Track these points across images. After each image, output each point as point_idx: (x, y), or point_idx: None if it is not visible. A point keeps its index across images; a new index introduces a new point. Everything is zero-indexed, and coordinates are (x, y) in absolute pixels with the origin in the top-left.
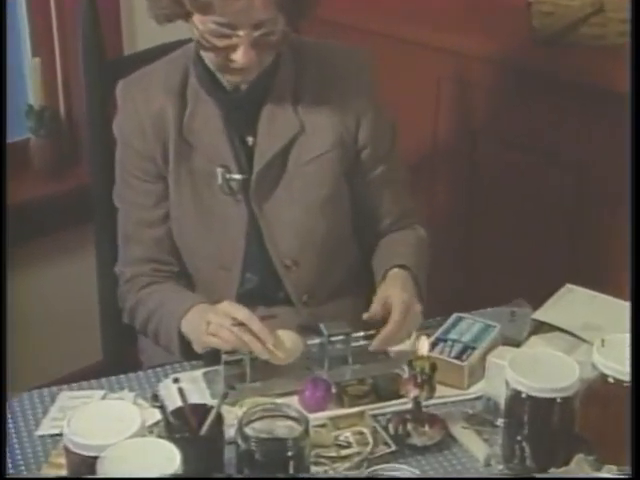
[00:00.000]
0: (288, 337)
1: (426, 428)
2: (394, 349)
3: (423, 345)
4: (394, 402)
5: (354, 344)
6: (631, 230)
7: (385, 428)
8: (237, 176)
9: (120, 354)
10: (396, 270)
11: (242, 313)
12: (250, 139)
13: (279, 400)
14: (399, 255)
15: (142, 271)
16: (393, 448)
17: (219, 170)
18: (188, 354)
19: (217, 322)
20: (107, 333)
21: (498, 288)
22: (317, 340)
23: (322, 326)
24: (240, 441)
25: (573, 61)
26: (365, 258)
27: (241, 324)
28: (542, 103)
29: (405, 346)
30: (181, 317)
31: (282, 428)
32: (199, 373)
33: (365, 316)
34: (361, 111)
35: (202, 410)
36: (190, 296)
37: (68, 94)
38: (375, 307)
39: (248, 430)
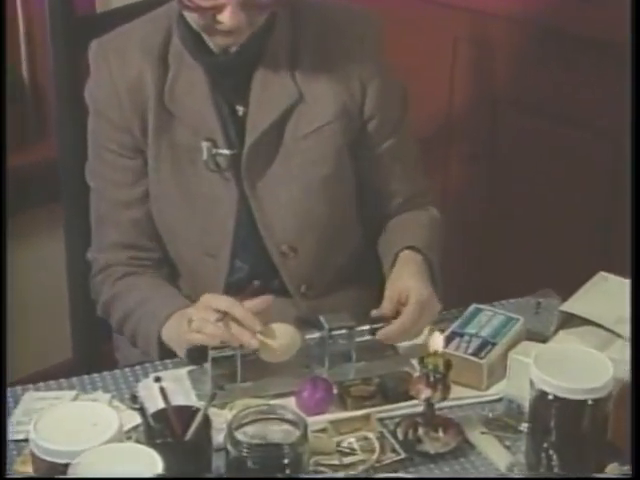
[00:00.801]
0: (284, 331)
1: (440, 433)
2: (403, 344)
3: (437, 340)
4: (403, 404)
5: (358, 339)
6: (631, 230)
7: (393, 433)
8: (225, 151)
9: (93, 350)
10: (407, 252)
11: (224, 302)
12: (241, 109)
13: (274, 402)
14: (410, 236)
15: (118, 259)
16: (402, 456)
17: (205, 144)
18: (169, 357)
19: (200, 317)
20: (78, 327)
21: (522, 276)
22: (317, 335)
23: (322, 319)
24: (230, 447)
25: (605, 17)
26: (371, 244)
27: (226, 315)
28: (571, 65)
29: (416, 341)
30: (162, 323)
31: (277, 433)
32: (183, 371)
33: (374, 313)
34: (367, 77)
35: (187, 413)
36: (172, 296)
37: (32, 55)
38: (388, 302)
39: (239, 435)
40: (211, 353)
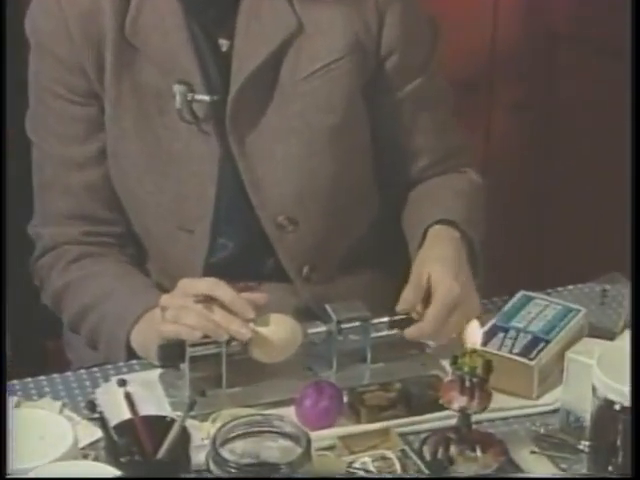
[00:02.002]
0: (282, 323)
1: (477, 452)
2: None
3: (474, 335)
4: (431, 416)
5: (374, 334)
6: (631, 230)
7: (419, 452)
8: (204, 97)
9: (37, 348)
10: (439, 228)
11: (205, 284)
12: (224, 43)
13: (269, 412)
14: (443, 207)
15: (69, 235)
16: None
17: (178, 88)
18: (137, 358)
19: (176, 304)
20: (16, 318)
21: (582, 257)
22: (322, 328)
23: (329, 309)
24: (214, 467)
25: None
26: (392, 216)
27: (209, 301)
28: None
29: None
30: (130, 327)
31: (273, 450)
32: (154, 374)
33: (399, 307)
34: (385, 1)
35: (159, 425)
36: (142, 289)
37: None
38: (413, 290)
39: (225, 452)
40: (189, 350)
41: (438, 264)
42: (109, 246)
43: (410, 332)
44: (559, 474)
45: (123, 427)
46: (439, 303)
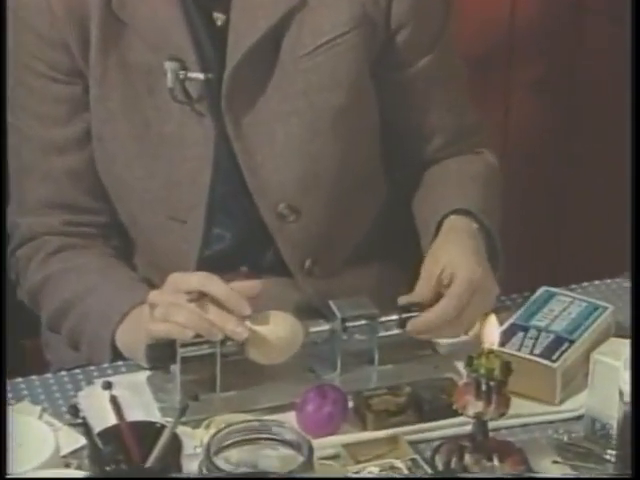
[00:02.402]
0: (282, 321)
1: (495, 462)
2: (445, 341)
3: (491, 334)
4: (444, 422)
5: (383, 333)
6: (631, 230)
7: (430, 461)
8: (198, 74)
9: (14, 348)
10: (455, 219)
11: (198, 279)
12: (220, 16)
13: (267, 418)
14: (459, 194)
15: (49, 225)
16: None
17: (169, 65)
18: (124, 359)
19: (166, 301)
20: None
21: (610, 248)
22: (326, 327)
23: (334, 305)
24: (208, 477)
25: None
26: (402, 203)
27: (202, 298)
28: None
29: (462, 335)
30: (115, 326)
31: (272, 459)
32: (142, 377)
33: (403, 299)
34: None
35: (148, 432)
36: (129, 284)
37: None
38: (425, 283)
39: (220, 462)
40: (180, 351)
41: (455, 251)
42: (92, 237)
43: (414, 324)
44: (559, 474)
45: (108, 434)
46: (460, 281)
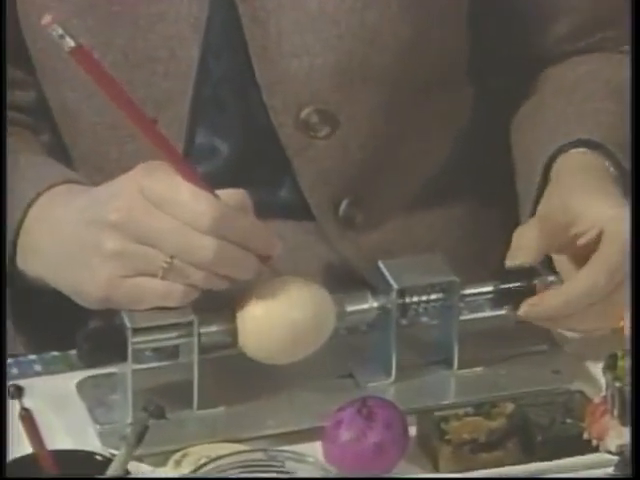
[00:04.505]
0: (300, 295)
1: None
2: (572, 334)
3: None
4: (569, 462)
5: (467, 316)
6: (632, 230)
7: None
8: None
9: None
10: (581, 153)
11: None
12: None
13: (277, 449)
14: (588, 118)
15: None
16: None
17: None
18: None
19: (139, 222)
20: None
21: None
22: (373, 303)
23: (386, 269)
24: None
25: None
26: (495, 117)
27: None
28: None
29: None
30: (27, 205)
31: None
32: (70, 380)
33: (514, 259)
34: None
35: (81, 467)
36: (49, 165)
37: None
38: (545, 239)
39: None
40: (134, 341)
41: (597, 200)
42: (10, 125)
43: (538, 303)
44: (559, 474)
45: (20, 466)
46: (609, 248)
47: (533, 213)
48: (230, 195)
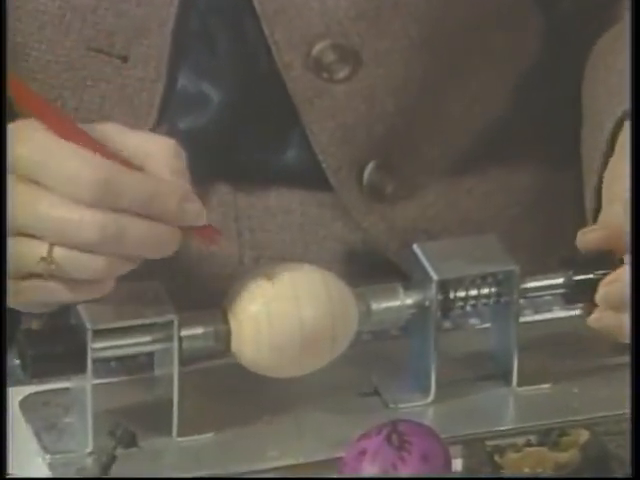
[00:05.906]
0: (311, 287)
1: None
2: None
3: None
4: None
5: (528, 317)
6: (632, 230)
7: None
8: None
9: None
10: None
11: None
12: None
13: None
14: None
15: None
16: None
17: None
18: None
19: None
20: None
21: None
22: (407, 300)
23: (422, 254)
24: None
25: None
26: (566, 64)
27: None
28: None
29: None
30: None
31: None
32: (14, 400)
33: (582, 241)
34: None
35: None
36: None
37: None
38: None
39: None
40: (95, 347)
41: None
42: None
43: (607, 283)
44: (558, 475)
45: None
46: None
47: (599, 187)
48: (144, 151)
